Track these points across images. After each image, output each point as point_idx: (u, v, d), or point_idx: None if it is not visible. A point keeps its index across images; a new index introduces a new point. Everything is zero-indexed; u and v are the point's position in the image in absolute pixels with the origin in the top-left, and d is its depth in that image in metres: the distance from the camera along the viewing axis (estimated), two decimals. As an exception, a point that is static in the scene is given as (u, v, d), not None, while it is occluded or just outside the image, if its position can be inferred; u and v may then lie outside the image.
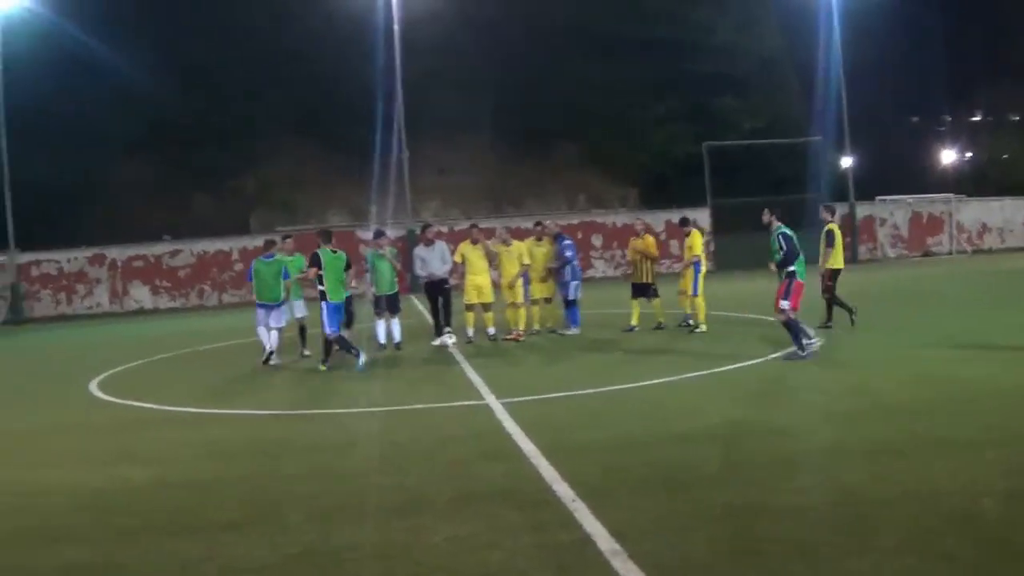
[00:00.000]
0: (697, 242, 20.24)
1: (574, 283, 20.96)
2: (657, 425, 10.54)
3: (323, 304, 17.33)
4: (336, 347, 17.57)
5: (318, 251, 17.43)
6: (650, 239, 21.56)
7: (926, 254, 56.76)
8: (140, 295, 48.96)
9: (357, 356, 17.12)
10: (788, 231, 16.08)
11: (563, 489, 7.85)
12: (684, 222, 21.06)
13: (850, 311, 19.33)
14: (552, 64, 62.27)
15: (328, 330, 17.37)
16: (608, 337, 20.12)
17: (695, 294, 19.99)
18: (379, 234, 20.83)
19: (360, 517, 7.58)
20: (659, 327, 20.65)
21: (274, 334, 19.40)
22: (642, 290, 21.03)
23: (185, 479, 9.33)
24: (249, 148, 61.03)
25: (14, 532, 7.75)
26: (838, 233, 20.22)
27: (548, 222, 23.02)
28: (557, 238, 21.36)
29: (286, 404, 14.16)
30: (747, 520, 6.84)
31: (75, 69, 53.97)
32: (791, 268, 15.58)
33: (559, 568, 6.12)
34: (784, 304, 15.23)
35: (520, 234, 23.79)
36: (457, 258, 20.73)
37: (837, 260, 19.98)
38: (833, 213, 20.54)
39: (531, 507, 7.47)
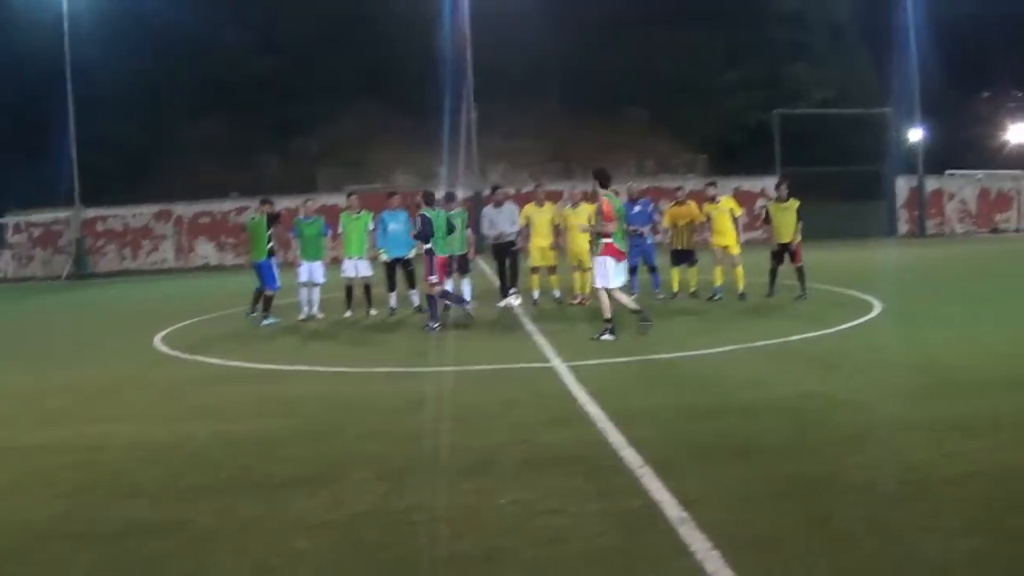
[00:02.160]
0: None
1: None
2: (723, 394, 10.44)
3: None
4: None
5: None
6: (693, 205, 21.44)
7: (994, 230, 56.08)
8: (205, 251, 49.45)
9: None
10: (428, 214, 17.82)
11: (630, 455, 7.80)
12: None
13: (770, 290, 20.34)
14: (623, 28, 61.79)
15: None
16: (671, 304, 20.07)
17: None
18: (450, 197, 20.82)
19: (425, 478, 7.56)
20: (694, 295, 20.81)
21: (316, 291, 19.90)
22: (683, 256, 21.02)
23: (250, 436, 9.38)
24: (317, 107, 61.05)
25: (78, 487, 7.79)
26: (771, 210, 20.87)
27: (631, 184, 22.88)
28: (637, 201, 21.20)
29: (350, 362, 14.12)
30: (815, 494, 6.77)
31: (142, 27, 54.29)
32: (428, 247, 17.68)
33: (625, 535, 6.08)
34: (432, 279, 17.59)
35: (592, 198, 23.46)
36: (522, 220, 20.71)
37: (777, 235, 20.45)
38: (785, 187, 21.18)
39: (597, 473, 7.43)
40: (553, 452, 8.16)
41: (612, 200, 15.27)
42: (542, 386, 11.31)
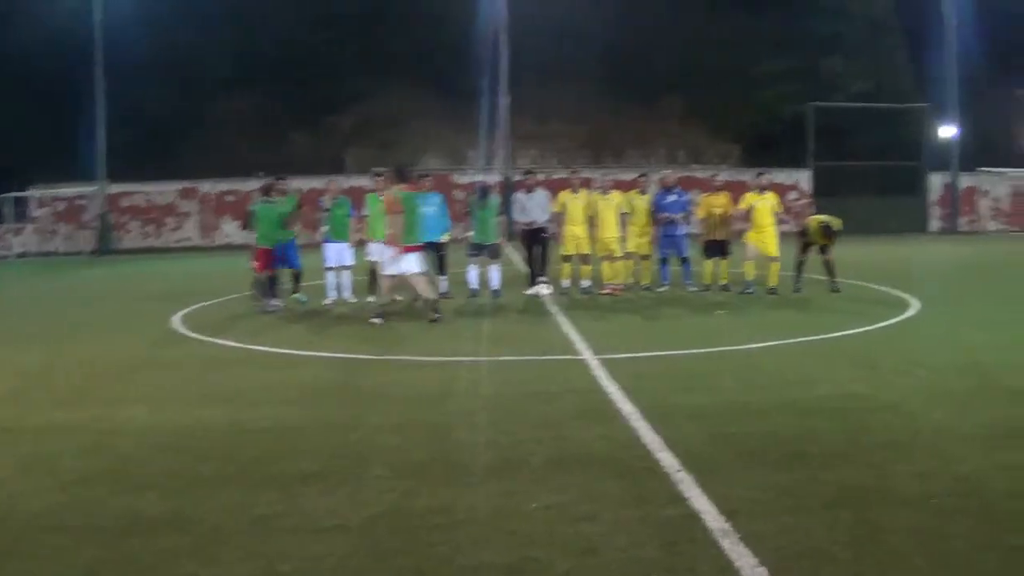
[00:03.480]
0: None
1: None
2: (763, 393, 10.02)
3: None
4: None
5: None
6: (728, 195, 20.94)
7: (1027, 229, 55.56)
8: (230, 230, 49.03)
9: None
10: (255, 207, 19.09)
11: (667, 458, 7.40)
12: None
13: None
14: (658, 15, 61.25)
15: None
16: (701, 296, 19.64)
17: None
18: (484, 193, 20.35)
19: (449, 476, 7.18)
20: (725, 288, 20.21)
21: (345, 275, 19.75)
22: (717, 248, 20.49)
23: (265, 424, 9.01)
24: (347, 86, 60.73)
25: (87, 474, 7.45)
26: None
27: (667, 173, 22.46)
28: (672, 189, 20.81)
29: (371, 349, 13.67)
30: (865, 505, 6.35)
31: (172, 2, 53.93)
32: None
33: (664, 546, 5.68)
34: (254, 264, 18.74)
35: (623, 186, 23.08)
36: (556, 207, 20.28)
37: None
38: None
39: (633, 476, 7.02)
40: (585, 451, 7.76)
41: (399, 195, 16.18)
42: (572, 379, 10.91)
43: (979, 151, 56.27)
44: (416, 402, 9.93)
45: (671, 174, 21.82)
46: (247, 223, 19.48)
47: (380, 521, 6.22)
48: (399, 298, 19.27)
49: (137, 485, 7.12)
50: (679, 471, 7.04)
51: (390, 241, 16.09)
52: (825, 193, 50.71)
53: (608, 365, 11.53)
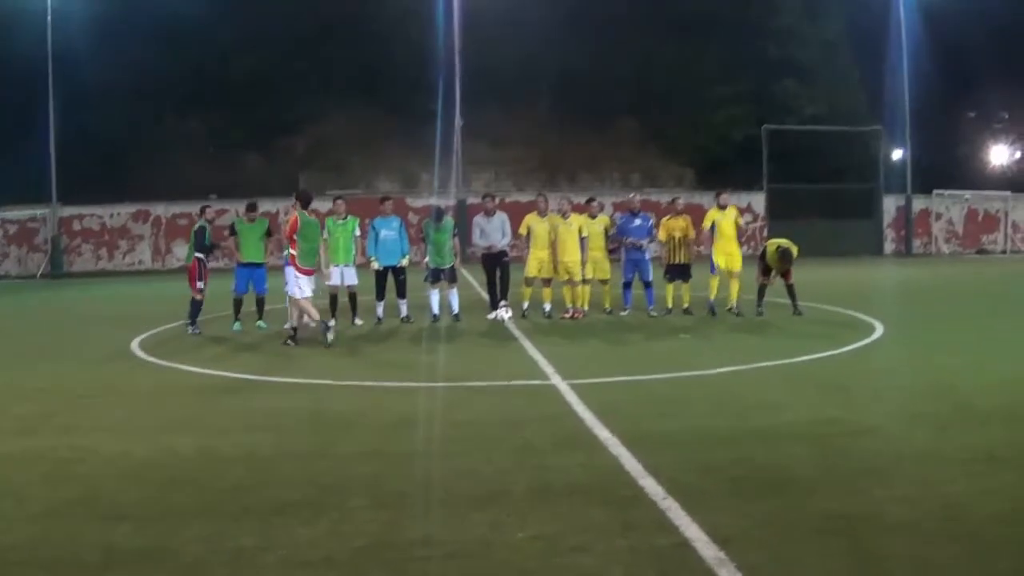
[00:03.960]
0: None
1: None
2: (737, 418, 9.91)
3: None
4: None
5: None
6: (688, 219, 20.83)
7: (980, 251, 56.11)
8: (183, 253, 48.47)
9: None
10: (202, 225, 19.66)
11: (650, 485, 7.27)
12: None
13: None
14: (613, 39, 61.30)
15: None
16: (664, 320, 19.50)
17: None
18: (439, 216, 20.31)
19: (430, 506, 7.00)
20: (687, 311, 20.11)
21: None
22: (679, 272, 20.42)
23: (236, 452, 8.76)
24: (301, 107, 60.40)
25: (52, 507, 7.17)
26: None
27: (633, 195, 22.49)
28: (638, 214, 20.79)
29: (336, 374, 13.44)
30: (856, 532, 6.25)
31: (123, 22, 53.48)
32: (199, 255, 19.18)
33: (660, 576, 5.54)
34: (200, 284, 18.99)
35: (578, 209, 23.05)
36: (522, 230, 20.23)
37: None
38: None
39: (619, 504, 6.88)
40: (567, 479, 7.60)
41: (303, 218, 16.79)
42: (545, 405, 10.77)
43: (933, 174, 56.79)
44: (387, 429, 9.73)
45: (636, 198, 21.77)
46: (232, 231, 19.70)
47: (366, 554, 6.03)
48: (359, 322, 19.17)
49: (109, 516, 6.87)
50: (665, 499, 6.91)
51: (292, 263, 16.67)
52: (779, 216, 50.98)
53: (578, 390, 11.37)
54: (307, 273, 16.76)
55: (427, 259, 19.97)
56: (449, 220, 20.59)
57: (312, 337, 16.77)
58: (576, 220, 20.11)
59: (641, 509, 6.76)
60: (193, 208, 47.64)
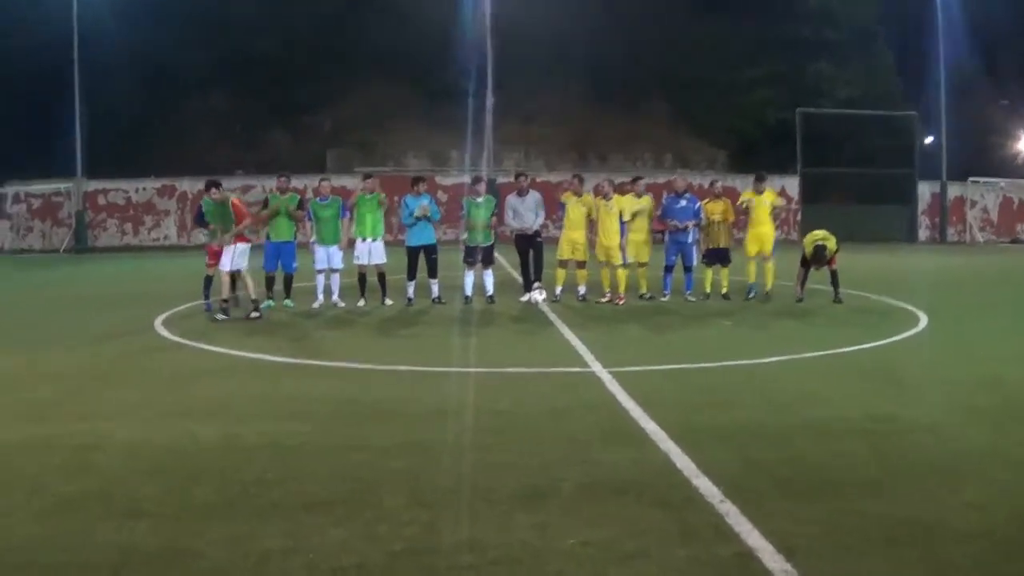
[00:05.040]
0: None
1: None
2: (788, 412, 9.49)
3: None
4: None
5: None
6: (727, 201, 20.48)
7: (1014, 240, 55.48)
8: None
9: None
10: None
11: (705, 485, 6.84)
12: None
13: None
14: (644, 18, 60.90)
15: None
16: (702, 305, 19.17)
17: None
18: (476, 180, 19.91)
19: (472, 506, 6.52)
20: (726, 297, 19.85)
21: (335, 277, 19.14)
22: (718, 256, 20.09)
23: (262, 442, 8.31)
24: (329, 85, 60.21)
25: (66, 501, 6.71)
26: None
27: (676, 178, 22.09)
28: (682, 195, 20.38)
29: (366, 357, 13.00)
30: (930, 541, 5.82)
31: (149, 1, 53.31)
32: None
33: (726, 590, 5.12)
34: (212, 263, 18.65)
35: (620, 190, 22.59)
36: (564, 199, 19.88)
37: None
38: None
39: (674, 506, 6.44)
40: (617, 477, 7.16)
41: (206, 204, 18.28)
42: (587, 394, 10.32)
43: (969, 160, 56.14)
44: (424, 418, 9.27)
45: (680, 180, 21.36)
46: (265, 205, 19.68)
47: (404, 559, 5.59)
48: (389, 302, 18.84)
49: (125, 512, 6.44)
50: (723, 502, 6.48)
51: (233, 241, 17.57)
52: (813, 200, 50.47)
53: (621, 379, 10.96)
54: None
55: (463, 236, 19.51)
56: (490, 197, 20.16)
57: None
58: (618, 202, 19.58)
59: (698, 512, 6.33)
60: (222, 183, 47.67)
